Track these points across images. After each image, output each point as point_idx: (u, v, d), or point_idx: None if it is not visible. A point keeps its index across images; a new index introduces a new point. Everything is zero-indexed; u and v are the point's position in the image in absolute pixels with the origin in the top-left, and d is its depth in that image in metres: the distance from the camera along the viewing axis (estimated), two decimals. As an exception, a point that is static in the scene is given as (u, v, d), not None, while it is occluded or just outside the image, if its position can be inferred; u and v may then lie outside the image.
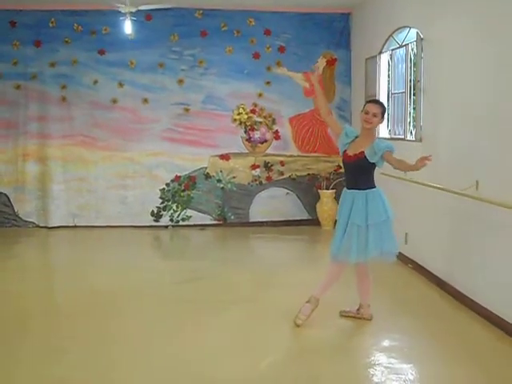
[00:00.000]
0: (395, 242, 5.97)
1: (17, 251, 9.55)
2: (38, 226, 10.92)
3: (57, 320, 6.14)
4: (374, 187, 5.88)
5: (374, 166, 5.80)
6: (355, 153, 5.79)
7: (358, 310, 6.20)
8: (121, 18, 9.72)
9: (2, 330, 5.78)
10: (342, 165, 6.06)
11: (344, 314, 6.21)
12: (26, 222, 10.94)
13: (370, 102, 6.00)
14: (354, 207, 5.76)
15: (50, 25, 10.64)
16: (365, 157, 5.72)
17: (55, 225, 10.88)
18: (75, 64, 10.73)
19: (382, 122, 6.04)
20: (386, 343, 5.54)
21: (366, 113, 5.77)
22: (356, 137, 5.93)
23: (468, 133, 6.37)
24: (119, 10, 9.36)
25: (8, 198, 10.86)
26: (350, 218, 5.76)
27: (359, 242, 5.73)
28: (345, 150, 5.93)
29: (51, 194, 10.84)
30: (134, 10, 9.33)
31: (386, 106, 6.10)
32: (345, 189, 5.95)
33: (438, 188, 6.76)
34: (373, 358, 5.12)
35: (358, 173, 5.84)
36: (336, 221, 6.03)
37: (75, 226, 10.92)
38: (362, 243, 5.73)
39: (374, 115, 5.75)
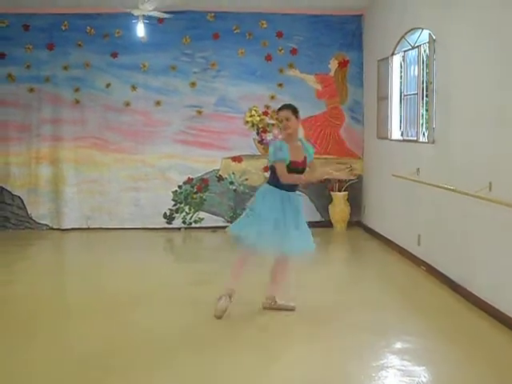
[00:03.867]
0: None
1: (30, 253, 9.59)
2: (51, 229, 10.97)
3: (69, 321, 6.15)
4: None
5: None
6: (301, 159, 6.12)
7: (275, 302, 6.34)
8: (133, 21, 9.77)
9: (14, 332, 5.80)
10: (297, 171, 6.14)
11: (274, 307, 6.33)
12: (40, 224, 10.99)
13: (279, 109, 6.27)
14: (291, 206, 6.13)
15: (63, 28, 10.70)
16: (306, 162, 6.16)
17: (68, 227, 10.92)
18: (88, 67, 10.78)
19: (300, 121, 6.27)
20: (398, 345, 5.51)
21: (281, 121, 6.14)
22: (284, 144, 6.09)
23: (481, 134, 6.35)
24: (132, 13, 9.39)
25: (22, 201, 10.92)
26: (286, 215, 6.06)
27: (290, 236, 6.03)
28: (291, 159, 6.05)
29: (64, 196, 10.89)
30: (146, 13, 9.36)
31: (293, 105, 6.29)
32: (280, 190, 6.11)
33: (451, 189, 6.73)
34: (385, 360, 5.11)
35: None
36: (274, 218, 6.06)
37: (88, 228, 10.97)
38: (292, 238, 6.05)
39: (287, 119, 6.07)
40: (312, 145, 6.57)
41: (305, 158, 6.14)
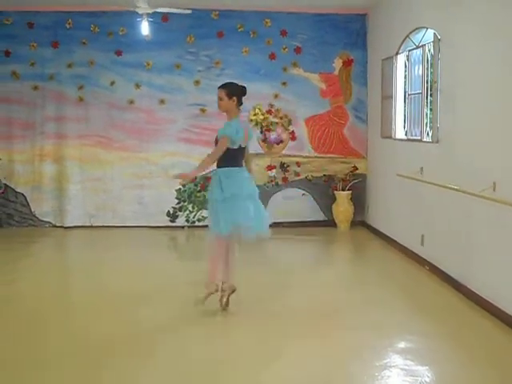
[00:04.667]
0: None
1: (33, 250, 9.62)
2: (54, 226, 10.99)
3: (72, 319, 6.16)
4: None
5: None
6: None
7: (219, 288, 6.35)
8: (137, 19, 9.76)
9: (17, 330, 5.81)
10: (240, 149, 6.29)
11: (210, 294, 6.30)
12: (43, 221, 11.01)
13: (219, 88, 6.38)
14: (249, 183, 6.27)
15: (67, 26, 10.70)
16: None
17: (71, 225, 10.94)
18: (92, 65, 10.79)
19: (235, 101, 6.32)
20: (401, 345, 5.52)
21: (221, 98, 6.30)
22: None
23: (485, 134, 6.34)
24: (136, 11, 9.39)
25: (25, 198, 10.94)
26: (250, 191, 6.21)
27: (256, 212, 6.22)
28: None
29: (68, 194, 10.91)
30: (150, 11, 9.35)
31: (233, 85, 6.42)
32: (235, 168, 6.21)
33: (455, 189, 6.72)
34: (388, 360, 5.11)
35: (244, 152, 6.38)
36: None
37: (91, 226, 10.98)
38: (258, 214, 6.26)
39: (220, 99, 6.29)
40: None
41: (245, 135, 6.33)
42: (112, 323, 5.97)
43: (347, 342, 5.58)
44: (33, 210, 10.98)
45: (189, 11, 9.80)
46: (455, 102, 7.13)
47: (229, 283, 6.34)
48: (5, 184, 10.81)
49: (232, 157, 6.19)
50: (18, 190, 10.93)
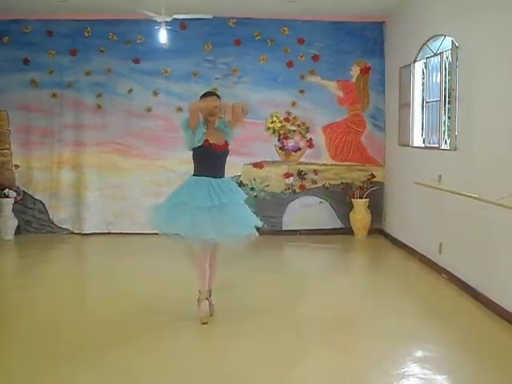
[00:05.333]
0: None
1: (51, 257, 9.66)
2: (72, 233, 11.04)
3: (89, 326, 6.15)
4: None
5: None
6: (221, 143, 6.23)
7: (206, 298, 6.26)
8: (156, 28, 9.80)
9: (34, 335, 5.82)
10: (206, 154, 6.24)
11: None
12: (61, 228, 11.06)
13: (206, 95, 6.32)
14: (234, 188, 6.34)
15: (86, 34, 10.78)
16: (228, 145, 6.31)
17: (89, 231, 10.98)
18: (110, 73, 10.85)
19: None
20: (419, 353, 5.48)
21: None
22: (205, 128, 6.24)
23: (504, 142, 6.30)
24: (154, 19, 9.43)
25: (43, 205, 11.00)
26: (221, 202, 6.08)
27: (242, 222, 6.26)
28: (208, 140, 6.18)
29: (86, 201, 10.96)
30: (169, 19, 9.39)
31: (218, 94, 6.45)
32: (206, 177, 6.19)
33: (474, 197, 6.68)
34: (406, 369, 5.07)
35: (223, 161, 6.34)
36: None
37: (109, 233, 11.02)
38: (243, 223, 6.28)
39: (216, 106, 6.19)
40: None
41: (226, 143, 6.30)
42: (128, 329, 5.98)
43: (364, 350, 5.56)
44: (51, 216, 11.03)
45: (210, 16, 9.85)
46: (473, 109, 7.10)
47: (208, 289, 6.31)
48: (23, 191, 10.87)
49: (199, 163, 6.29)
50: (37, 197, 10.99)
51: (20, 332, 6.02)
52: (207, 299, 6.20)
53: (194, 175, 6.30)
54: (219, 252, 6.52)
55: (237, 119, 6.27)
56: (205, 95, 6.34)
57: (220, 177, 6.26)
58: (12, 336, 5.94)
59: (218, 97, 6.33)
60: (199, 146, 6.18)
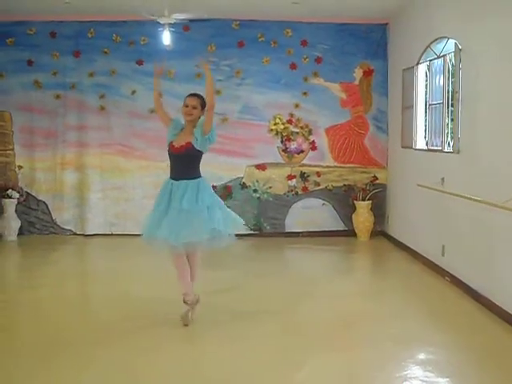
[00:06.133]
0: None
1: (54, 258, 9.67)
2: (75, 234, 11.05)
3: (91, 327, 6.15)
4: (201, 176, 6.26)
5: (200, 155, 6.21)
6: (182, 144, 6.11)
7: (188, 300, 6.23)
8: (159, 29, 9.80)
9: (37, 337, 5.84)
10: (172, 157, 6.23)
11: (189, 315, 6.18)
12: (64, 229, 11.07)
13: (189, 95, 6.31)
14: (187, 195, 6.02)
15: (89, 35, 10.79)
16: (193, 146, 6.09)
17: (92, 233, 10.99)
18: (114, 74, 10.86)
19: (203, 114, 6.24)
20: (421, 356, 5.48)
21: (186, 106, 6.22)
22: (182, 129, 6.23)
23: (507, 144, 6.30)
24: (158, 20, 9.44)
25: (47, 206, 11.02)
26: (175, 203, 6.00)
27: (191, 223, 5.98)
28: (171, 142, 6.19)
29: (89, 202, 10.97)
30: (172, 21, 9.40)
31: (204, 97, 6.33)
32: (170, 180, 6.17)
33: (477, 200, 6.68)
34: (409, 371, 5.08)
35: (187, 163, 6.14)
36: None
37: (112, 234, 11.03)
38: (194, 225, 5.99)
39: (194, 107, 6.18)
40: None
41: (187, 144, 6.11)
42: (131, 331, 5.98)
43: (367, 353, 5.56)
44: (54, 217, 11.05)
45: (205, 15, 9.84)
46: (476, 112, 7.10)
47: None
48: (26, 192, 10.89)
49: (170, 166, 6.27)
50: (40, 198, 11.01)
51: (23, 332, 6.05)
52: (185, 302, 6.16)
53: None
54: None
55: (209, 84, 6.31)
56: (188, 95, 6.34)
57: (182, 179, 6.09)
58: (15, 336, 5.97)
59: (200, 98, 6.26)
60: (168, 146, 6.24)
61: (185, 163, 6.14)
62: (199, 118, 6.23)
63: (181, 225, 5.95)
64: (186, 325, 6.05)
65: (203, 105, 6.21)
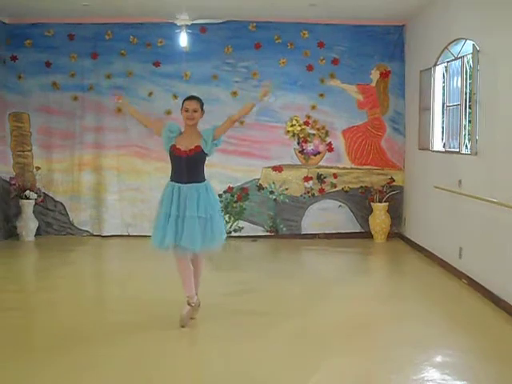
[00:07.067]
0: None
1: (71, 259, 9.70)
2: (92, 235, 11.10)
3: (102, 328, 6.17)
4: (205, 179, 6.25)
5: (205, 158, 6.19)
6: (190, 148, 6.08)
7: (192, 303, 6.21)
8: (176, 31, 9.84)
9: (49, 337, 5.87)
10: (182, 160, 6.16)
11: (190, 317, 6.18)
12: (81, 230, 11.13)
13: (186, 99, 6.24)
14: (201, 202, 6.04)
15: (107, 37, 10.85)
16: (201, 149, 6.09)
17: (109, 234, 11.04)
18: (131, 76, 10.90)
19: (202, 115, 6.26)
20: (438, 359, 5.46)
21: (186, 110, 6.14)
22: (180, 133, 6.19)
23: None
24: (175, 22, 9.47)
25: (64, 207, 11.08)
26: (191, 211, 5.99)
27: (205, 231, 6.03)
28: (174, 145, 6.14)
29: (106, 203, 11.02)
30: (189, 22, 9.42)
31: (201, 99, 6.34)
32: (174, 183, 6.15)
33: (494, 202, 6.65)
34: (426, 374, 5.05)
35: (196, 166, 6.15)
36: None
37: (128, 236, 11.06)
38: (207, 233, 6.04)
39: (194, 110, 6.14)
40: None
41: (196, 147, 6.09)
42: (145, 332, 5.99)
43: (383, 355, 5.55)
44: (71, 218, 11.11)
45: (220, 20, 9.88)
46: (494, 113, 7.06)
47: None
48: (44, 193, 10.95)
49: (173, 169, 6.27)
50: (57, 199, 11.07)
51: (40, 332, 6.08)
52: (189, 304, 6.15)
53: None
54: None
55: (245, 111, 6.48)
56: (186, 98, 6.28)
57: (189, 182, 6.10)
58: (32, 336, 6.01)
59: (199, 101, 6.24)
60: (169, 150, 6.21)
61: (193, 166, 6.14)
62: (199, 119, 6.23)
63: (198, 232, 6.00)
64: (182, 326, 6.02)
65: (202, 106, 6.23)
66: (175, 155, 6.14)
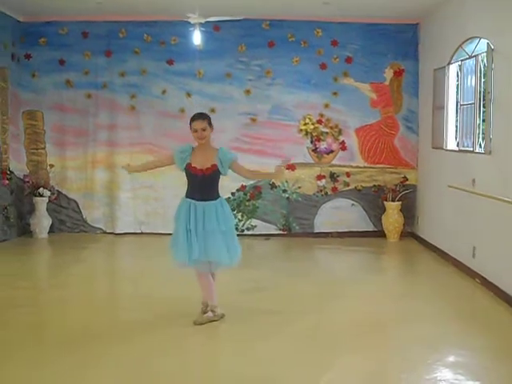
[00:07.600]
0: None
1: (84, 256, 9.74)
2: (105, 233, 11.14)
3: (119, 326, 6.18)
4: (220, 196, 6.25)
5: (219, 176, 6.19)
6: (207, 166, 6.05)
7: (208, 311, 6.21)
8: (190, 29, 9.83)
9: (60, 334, 5.89)
10: (197, 178, 6.11)
11: (201, 322, 6.13)
12: (94, 227, 11.17)
13: (193, 120, 6.12)
14: (220, 216, 6.07)
15: (120, 35, 10.88)
16: (217, 169, 6.07)
17: (122, 231, 11.07)
18: (144, 74, 10.93)
19: (212, 131, 6.18)
20: (451, 359, 5.44)
21: (195, 131, 6.04)
22: (193, 149, 6.15)
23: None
24: (188, 20, 9.47)
25: (77, 204, 11.12)
26: (212, 225, 6.01)
27: (228, 244, 6.11)
28: (189, 164, 6.09)
29: (119, 201, 11.05)
30: (203, 21, 9.42)
31: (207, 114, 6.30)
32: (190, 200, 6.12)
33: (509, 202, 6.62)
34: (439, 374, 5.03)
35: (212, 184, 6.15)
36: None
37: (141, 233, 11.09)
38: (229, 245, 6.14)
39: (203, 129, 6.05)
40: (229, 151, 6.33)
41: (213, 166, 6.06)
42: (157, 330, 6.01)
43: (396, 354, 5.54)
44: (84, 216, 11.15)
45: (240, 17, 9.88)
46: (509, 112, 7.02)
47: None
48: (57, 190, 10.99)
49: (189, 186, 6.24)
50: (71, 197, 11.12)
51: (52, 329, 6.10)
52: (213, 311, 6.17)
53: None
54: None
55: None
56: (193, 119, 6.16)
57: (204, 200, 6.08)
58: (44, 333, 6.03)
59: (206, 118, 6.16)
60: (185, 168, 6.17)
61: (209, 184, 6.14)
62: (209, 136, 6.18)
63: (223, 244, 6.07)
64: (195, 322, 6.07)
65: (210, 122, 6.15)
66: (191, 173, 6.11)
